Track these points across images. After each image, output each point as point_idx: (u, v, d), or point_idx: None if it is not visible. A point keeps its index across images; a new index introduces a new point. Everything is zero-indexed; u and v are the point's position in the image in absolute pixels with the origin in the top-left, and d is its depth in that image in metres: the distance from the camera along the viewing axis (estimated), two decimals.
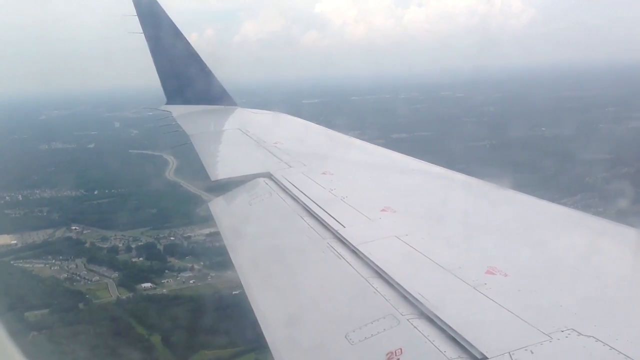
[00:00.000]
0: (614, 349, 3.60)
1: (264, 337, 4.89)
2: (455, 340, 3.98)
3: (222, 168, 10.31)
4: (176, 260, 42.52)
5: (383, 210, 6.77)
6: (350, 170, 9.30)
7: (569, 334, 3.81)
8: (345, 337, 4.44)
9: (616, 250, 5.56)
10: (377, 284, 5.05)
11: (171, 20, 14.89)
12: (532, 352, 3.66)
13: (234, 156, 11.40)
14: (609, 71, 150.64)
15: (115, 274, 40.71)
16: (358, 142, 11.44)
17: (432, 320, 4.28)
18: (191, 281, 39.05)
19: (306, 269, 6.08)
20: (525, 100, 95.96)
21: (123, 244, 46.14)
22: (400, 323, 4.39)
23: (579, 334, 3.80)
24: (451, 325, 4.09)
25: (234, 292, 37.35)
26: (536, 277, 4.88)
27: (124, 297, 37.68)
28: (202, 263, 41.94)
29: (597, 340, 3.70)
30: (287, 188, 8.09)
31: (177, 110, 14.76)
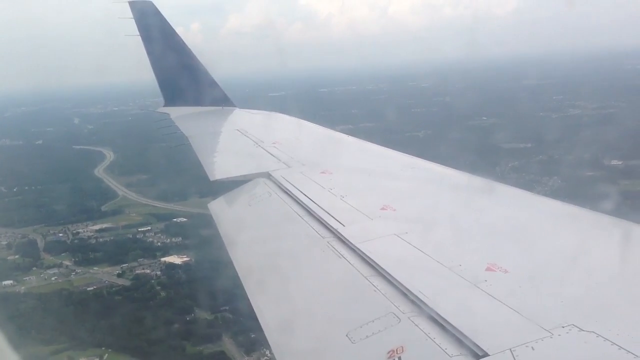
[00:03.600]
0: (615, 344, 3.56)
1: (266, 338, 4.94)
2: (456, 337, 3.96)
3: (221, 169, 10.35)
4: (51, 257, 42.88)
5: (382, 208, 6.74)
6: (349, 169, 9.28)
7: (569, 330, 3.78)
8: (347, 335, 4.44)
9: (616, 245, 5.49)
10: (378, 282, 5.04)
11: (168, 23, 14.97)
12: (532, 349, 3.64)
13: (233, 157, 11.44)
14: (588, 58, 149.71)
15: None
16: (357, 141, 11.38)
17: (432, 317, 4.26)
18: (53, 278, 39.39)
19: (306, 268, 6.09)
20: (484, 89, 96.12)
21: (7, 241, 46.60)
22: (401, 321, 4.38)
23: (580, 329, 3.77)
24: (452, 323, 4.08)
25: (88, 289, 38.15)
26: (536, 274, 4.83)
27: None
28: (74, 259, 42.44)
29: (598, 335, 3.66)
30: (286, 188, 8.11)
31: (175, 112, 14.79)
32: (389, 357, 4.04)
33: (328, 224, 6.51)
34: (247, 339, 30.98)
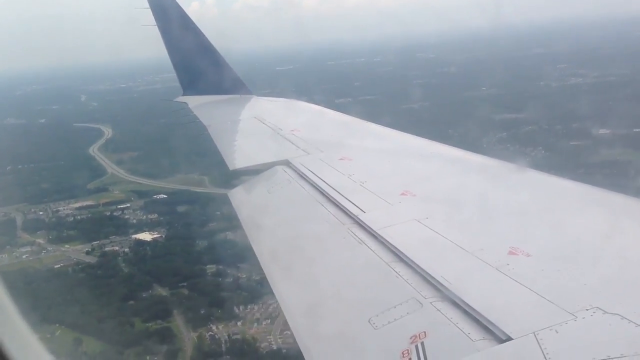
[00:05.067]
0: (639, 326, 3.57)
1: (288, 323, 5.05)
2: (479, 322, 4.00)
3: (240, 157, 10.47)
4: (26, 235, 43.28)
5: (402, 194, 6.78)
6: (368, 155, 9.30)
7: (594, 313, 3.78)
8: (369, 321, 4.50)
9: (639, 227, 5.51)
10: (399, 268, 5.09)
11: (185, 12, 15.00)
12: (557, 332, 3.66)
13: (252, 145, 11.49)
14: (603, 25, 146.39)
15: None
16: (375, 126, 11.33)
17: (455, 302, 4.30)
18: (24, 256, 39.81)
19: (327, 255, 6.14)
20: (491, 59, 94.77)
21: None
22: (423, 306, 4.43)
23: (604, 312, 3.76)
24: (475, 307, 4.11)
25: (55, 267, 38.75)
26: (559, 257, 4.84)
27: None
28: (48, 237, 43.01)
29: (623, 317, 3.66)
30: (305, 175, 8.17)
31: (193, 101, 14.84)
32: (412, 343, 4.04)
33: (348, 211, 6.54)
34: (197, 315, 31.32)
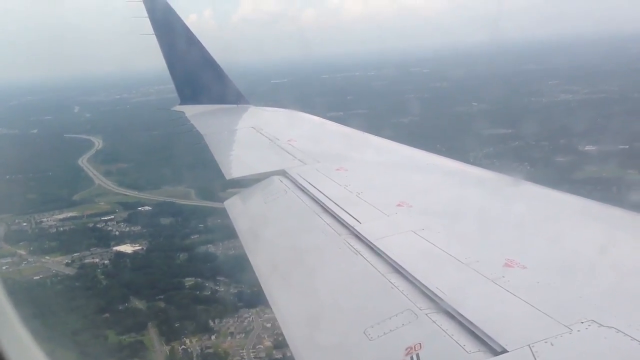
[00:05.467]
0: (635, 339, 3.57)
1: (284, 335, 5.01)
2: (474, 334, 4.00)
3: (236, 167, 10.51)
4: (8, 246, 42.99)
5: (399, 205, 6.79)
6: (365, 166, 9.35)
7: (589, 326, 3.80)
8: (364, 332, 4.49)
9: (635, 240, 5.56)
10: (395, 279, 5.09)
11: (183, 22, 15.09)
12: (552, 345, 3.66)
13: (248, 155, 11.55)
14: (602, 42, 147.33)
15: None
16: (373, 138, 11.45)
17: (450, 314, 4.30)
18: (4, 267, 39.36)
19: (323, 266, 6.12)
20: (485, 75, 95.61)
21: None
22: (419, 318, 4.43)
23: (600, 325, 3.78)
24: (470, 319, 4.11)
25: (35, 278, 38.56)
26: (555, 269, 4.88)
27: None
28: (30, 249, 42.81)
29: (618, 331, 3.68)
30: (302, 185, 8.19)
31: (190, 111, 14.90)
32: (407, 354, 4.03)
33: (344, 221, 6.55)
34: (171, 328, 31.09)
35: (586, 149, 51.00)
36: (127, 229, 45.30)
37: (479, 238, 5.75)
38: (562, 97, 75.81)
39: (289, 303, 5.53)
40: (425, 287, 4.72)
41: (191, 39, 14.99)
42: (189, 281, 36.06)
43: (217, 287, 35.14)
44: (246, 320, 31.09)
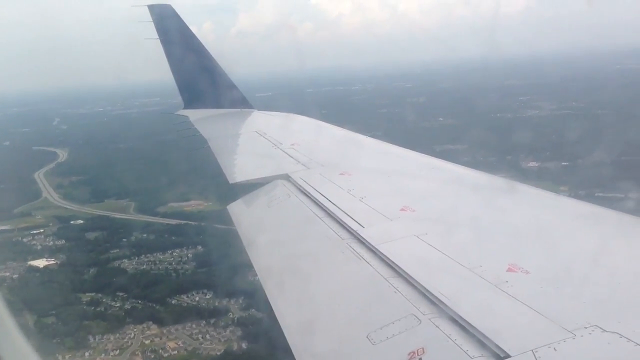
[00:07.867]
0: (638, 344, 3.53)
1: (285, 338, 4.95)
2: (477, 338, 3.96)
3: (240, 171, 10.46)
4: None
5: (402, 209, 6.74)
6: (368, 170, 9.30)
7: (592, 331, 3.75)
8: (367, 337, 4.45)
9: (638, 244, 5.49)
10: (398, 283, 5.05)
11: (187, 26, 15.14)
12: (555, 350, 3.62)
13: (252, 159, 11.56)
14: (597, 56, 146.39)
15: None
16: (375, 142, 11.46)
17: (453, 319, 4.26)
18: None
19: (326, 270, 6.11)
20: (463, 89, 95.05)
21: None
22: (422, 322, 4.39)
23: (603, 330, 3.74)
24: (473, 324, 4.07)
25: None
26: (558, 274, 4.83)
27: None
28: None
29: (622, 336, 3.63)
30: (305, 189, 8.16)
31: (194, 115, 14.99)
32: (410, 359, 4.00)
33: (348, 226, 6.51)
34: (49, 344, 30.52)
35: (529, 165, 50.25)
36: (52, 243, 45.26)
37: (482, 243, 5.70)
38: (528, 113, 75.30)
39: (291, 307, 5.47)
40: (428, 291, 4.67)
41: (196, 44, 15.05)
42: (87, 296, 35.67)
43: (113, 303, 34.42)
44: (127, 337, 30.42)
